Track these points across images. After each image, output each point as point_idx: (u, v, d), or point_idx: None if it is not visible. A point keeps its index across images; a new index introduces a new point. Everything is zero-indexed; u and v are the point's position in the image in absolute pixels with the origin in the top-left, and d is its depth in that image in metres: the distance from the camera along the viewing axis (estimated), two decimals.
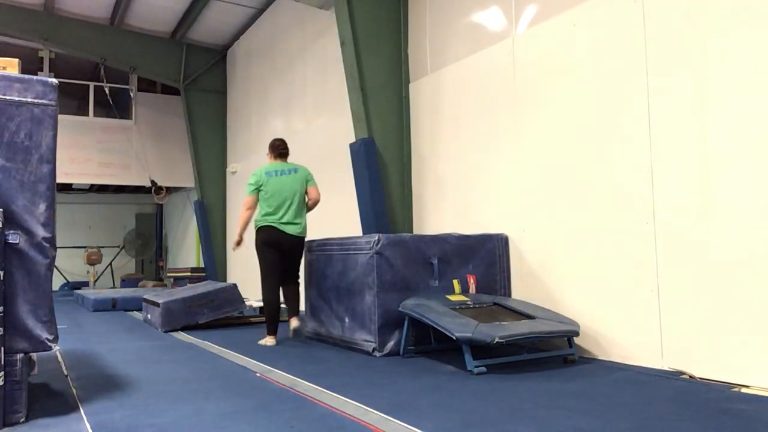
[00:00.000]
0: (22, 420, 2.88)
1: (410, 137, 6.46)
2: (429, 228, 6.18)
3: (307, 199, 5.62)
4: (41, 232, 2.97)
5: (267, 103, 10.09)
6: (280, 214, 5.43)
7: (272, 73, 9.87)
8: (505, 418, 2.84)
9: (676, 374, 3.74)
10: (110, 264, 16.54)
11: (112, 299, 9.36)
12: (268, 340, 5.43)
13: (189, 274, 12.31)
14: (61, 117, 11.64)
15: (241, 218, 5.53)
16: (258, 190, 5.50)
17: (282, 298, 5.56)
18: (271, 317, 5.46)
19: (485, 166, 5.43)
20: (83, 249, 15.85)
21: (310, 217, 8.46)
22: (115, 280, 16.47)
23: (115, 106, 12.21)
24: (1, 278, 2.82)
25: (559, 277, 4.66)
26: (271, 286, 5.43)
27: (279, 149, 5.66)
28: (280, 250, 5.45)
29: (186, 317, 6.56)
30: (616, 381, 3.62)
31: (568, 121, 4.62)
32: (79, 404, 3.25)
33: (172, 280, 13.11)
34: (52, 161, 3.06)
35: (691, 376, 3.67)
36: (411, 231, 6.42)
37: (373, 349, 4.67)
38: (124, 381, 3.86)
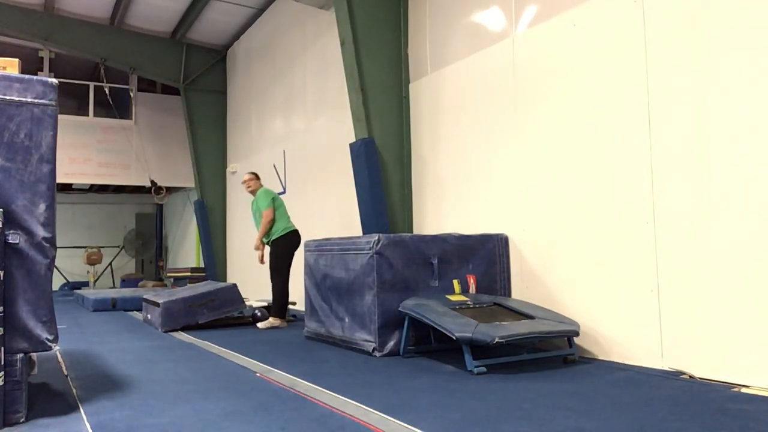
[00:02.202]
0: (22, 420, 2.88)
1: (410, 137, 6.46)
2: (429, 228, 6.18)
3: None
4: (41, 232, 2.97)
5: (267, 103, 10.09)
6: (291, 221, 6.80)
7: (272, 73, 9.87)
8: (505, 418, 2.84)
9: (676, 374, 3.74)
10: (110, 264, 16.54)
11: (112, 299, 9.36)
12: (284, 323, 6.66)
13: (189, 274, 12.30)
14: (61, 117, 11.65)
15: (264, 228, 6.55)
16: (274, 203, 6.66)
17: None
18: (286, 305, 6.66)
19: (485, 166, 5.43)
20: (83, 249, 15.84)
21: (310, 216, 8.46)
22: (115, 280, 16.47)
23: (115, 106, 12.21)
24: (1, 278, 2.83)
25: (559, 277, 4.66)
26: (287, 282, 6.62)
27: None
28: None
29: (186, 317, 6.56)
30: (616, 381, 3.62)
31: (568, 121, 4.62)
32: (79, 404, 3.25)
33: (172, 280, 13.11)
34: (52, 161, 3.06)
35: (691, 376, 3.67)
36: (411, 231, 6.42)
37: (373, 349, 4.67)
38: (124, 381, 3.87)
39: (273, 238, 6.59)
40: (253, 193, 6.86)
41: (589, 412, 2.94)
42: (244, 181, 6.94)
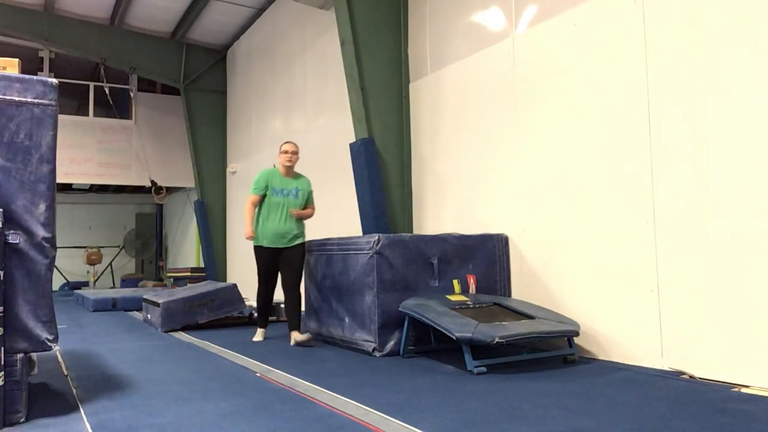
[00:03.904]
0: (22, 420, 2.88)
1: (410, 137, 6.46)
2: (429, 228, 6.17)
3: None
4: (41, 232, 2.97)
5: (267, 103, 10.09)
6: None
7: (272, 73, 9.87)
8: (505, 418, 2.84)
9: (676, 374, 3.74)
10: (110, 264, 16.53)
11: (112, 299, 9.36)
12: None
13: (189, 274, 12.31)
14: (61, 117, 11.64)
15: (305, 217, 5.58)
16: None
17: (266, 304, 5.70)
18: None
19: (485, 166, 5.43)
20: (83, 249, 15.84)
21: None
22: (115, 280, 16.47)
23: (115, 106, 12.21)
24: (1, 278, 2.82)
25: (559, 276, 4.66)
26: None
27: None
28: None
29: (186, 317, 6.56)
30: (616, 381, 3.62)
31: (568, 121, 4.62)
32: (79, 404, 3.25)
33: (172, 280, 13.11)
34: (52, 161, 3.06)
35: (691, 376, 3.67)
36: (411, 231, 6.42)
37: (373, 349, 4.67)
38: (124, 381, 3.86)
39: (305, 239, 5.63)
40: (290, 169, 5.55)
41: (589, 412, 2.94)
42: (293, 152, 5.53)
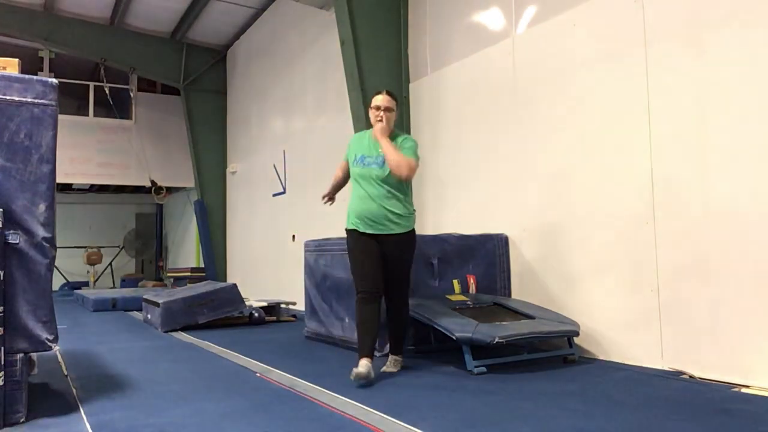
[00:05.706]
0: (22, 420, 2.88)
1: None
2: (429, 228, 6.17)
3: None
4: (41, 232, 2.97)
5: (267, 103, 10.09)
6: None
7: (272, 73, 9.87)
8: (505, 418, 2.84)
9: (676, 374, 3.74)
10: (110, 264, 16.53)
11: (112, 299, 9.36)
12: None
13: (189, 274, 12.30)
14: (61, 117, 11.57)
15: (403, 172, 3.81)
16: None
17: (368, 320, 3.88)
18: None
19: (485, 166, 5.43)
20: (83, 249, 15.83)
21: (311, 216, 8.45)
22: (115, 280, 16.46)
23: (115, 106, 12.20)
24: (1, 278, 2.82)
25: (559, 277, 4.66)
26: None
27: None
28: None
29: (186, 317, 6.56)
30: (616, 381, 3.62)
31: (567, 121, 4.62)
32: (79, 404, 3.25)
33: (172, 280, 13.11)
34: (52, 161, 3.06)
35: (691, 376, 3.67)
36: None
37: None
38: (124, 381, 3.86)
39: (411, 225, 3.99)
40: (384, 130, 3.92)
41: (589, 412, 2.94)
42: (386, 108, 3.94)
